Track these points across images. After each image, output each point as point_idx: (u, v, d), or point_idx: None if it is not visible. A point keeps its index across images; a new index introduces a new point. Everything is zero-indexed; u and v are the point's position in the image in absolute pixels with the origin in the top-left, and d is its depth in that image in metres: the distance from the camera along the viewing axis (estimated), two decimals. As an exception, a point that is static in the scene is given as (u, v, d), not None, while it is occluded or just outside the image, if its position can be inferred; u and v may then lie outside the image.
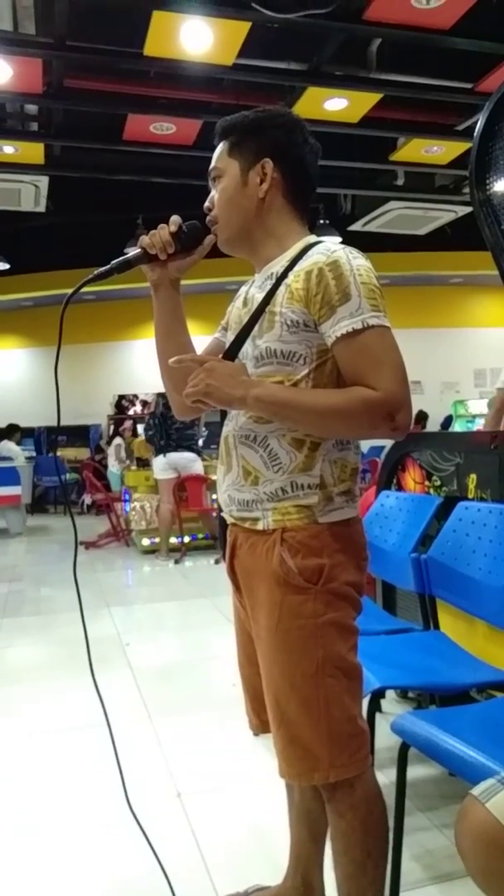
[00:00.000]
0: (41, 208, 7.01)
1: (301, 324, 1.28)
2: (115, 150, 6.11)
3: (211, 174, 1.41)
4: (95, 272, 1.33)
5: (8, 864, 1.88)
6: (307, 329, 1.27)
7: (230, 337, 1.44)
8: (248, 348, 1.36)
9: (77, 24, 4.42)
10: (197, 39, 4.43)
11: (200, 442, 6.88)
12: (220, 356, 1.40)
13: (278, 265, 1.35)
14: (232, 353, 1.38)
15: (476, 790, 0.97)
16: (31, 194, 6.69)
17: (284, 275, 1.32)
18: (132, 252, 1.37)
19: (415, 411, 9.38)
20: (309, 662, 1.27)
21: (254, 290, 1.41)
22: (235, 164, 1.37)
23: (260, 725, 1.49)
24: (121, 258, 1.35)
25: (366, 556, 1.38)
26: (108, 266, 1.34)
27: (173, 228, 1.36)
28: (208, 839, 1.95)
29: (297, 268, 1.30)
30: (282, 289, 1.31)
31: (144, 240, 1.37)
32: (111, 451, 8.68)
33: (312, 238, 1.38)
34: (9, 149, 5.85)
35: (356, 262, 1.26)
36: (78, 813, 2.13)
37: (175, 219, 1.38)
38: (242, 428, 1.34)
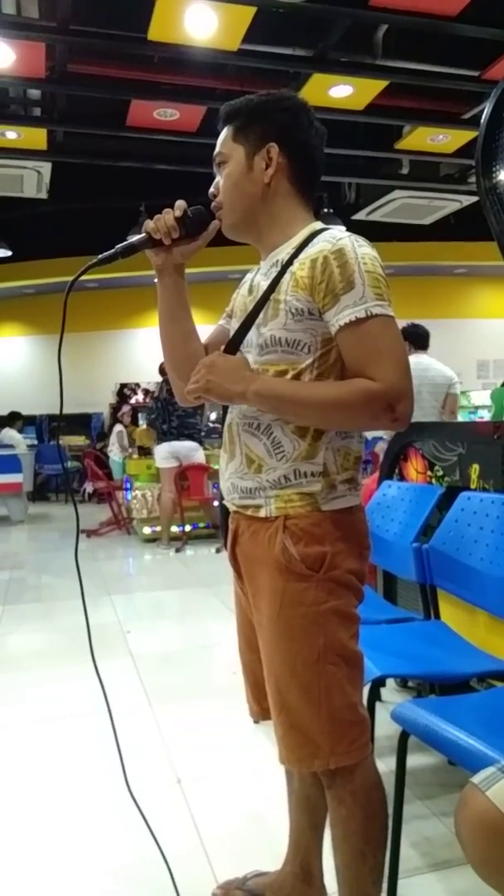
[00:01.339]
0: (43, 195, 6.98)
1: (306, 312, 1.27)
2: (119, 136, 6.07)
3: (216, 159, 1.40)
4: (99, 256, 1.32)
5: (9, 850, 1.89)
6: (312, 317, 1.27)
7: (234, 325, 1.43)
8: (252, 336, 1.35)
9: (81, 8, 4.39)
10: (201, 24, 4.39)
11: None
12: (223, 347, 1.40)
13: (283, 252, 1.34)
14: (235, 343, 1.38)
15: (476, 778, 0.97)
16: (33, 180, 6.65)
17: (290, 262, 1.31)
18: (136, 237, 1.36)
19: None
20: (310, 650, 1.27)
21: (259, 277, 1.40)
22: (240, 149, 1.36)
23: (260, 713, 1.49)
24: (125, 242, 1.34)
25: (368, 545, 1.38)
26: (111, 250, 1.33)
27: (178, 213, 1.35)
28: (208, 825, 1.96)
29: (302, 255, 1.29)
30: (286, 276, 1.30)
31: (149, 224, 1.36)
32: (113, 438, 8.66)
33: (318, 225, 1.37)
34: (11, 134, 5.81)
35: (361, 251, 1.25)
36: (78, 799, 2.14)
37: (180, 203, 1.36)
38: (246, 416, 1.34)
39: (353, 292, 1.22)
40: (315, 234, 1.32)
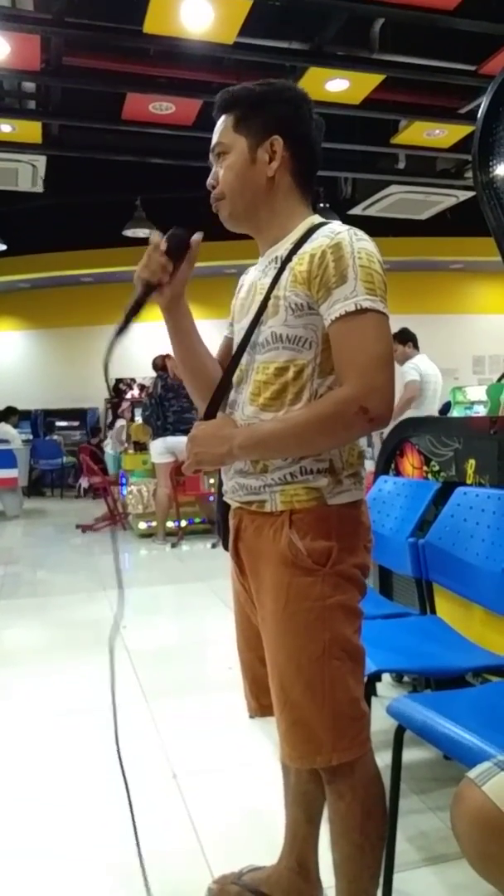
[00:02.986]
0: (39, 188, 6.94)
1: (305, 307, 1.26)
2: (114, 129, 6.04)
3: (214, 149, 1.37)
4: (116, 330, 1.30)
5: (3, 845, 1.89)
6: (311, 312, 1.26)
7: (236, 329, 1.43)
8: (253, 337, 1.34)
9: (76, 1, 4.36)
10: (197, 17, 4.37)
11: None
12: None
13: (282, 248, 1.33)
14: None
15: (472, 773, 0.97)
16: (28, 174, 6.61)
17: (289, 258, 1.30)
18: (137, 294, 1.32)
19: (412, 397, 8.98)
20: (315, 645, 1.27)
21: (257, 275, 1.39)
22: (243, 141, 1.33)
23: (259, 709, 1.49)
24: (130, 305, 1.31)
25: (371, 539, 1.37)
26: (124, 321, 1.31)
27: (164, 247, 1.32)
28: (204, 820, 1.96)
29: (301, 250, 1.28)
30: (286, 272, 1.29)
31: (142, 274, 1.32)
32: (112, 433, 8.64)
33: (317, 219, 1.35)
34: (6, 127, 5.78)
35: (359, 245, 1.24)
36: (73, 793, 2.13)
37: (154, 239, 1.33)
38: (249, 417, 1.33)
39: (345, 287, 1.21)
40: (314, 228, 1.31)
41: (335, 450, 1.29)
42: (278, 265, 1.31)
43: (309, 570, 1.27)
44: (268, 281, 1.33)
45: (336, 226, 1.29)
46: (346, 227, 1.28)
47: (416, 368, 5.20)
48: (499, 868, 0.94)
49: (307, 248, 1.27)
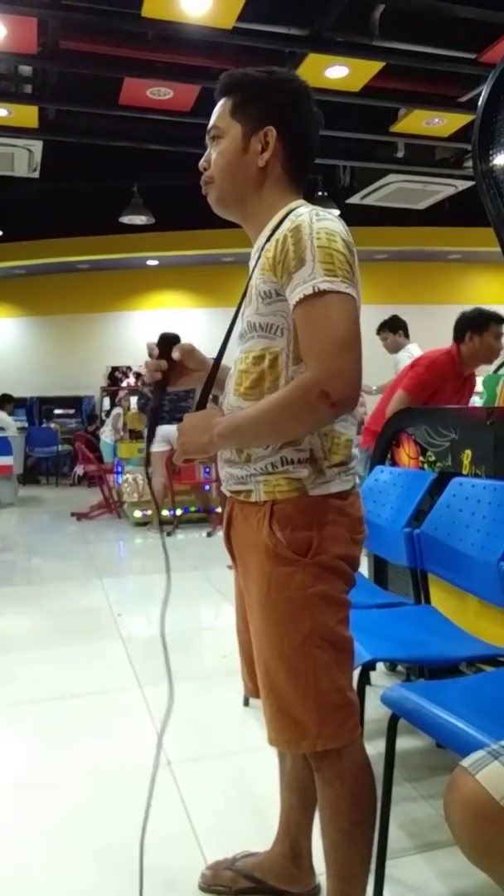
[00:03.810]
0: (35, 174, 6.88)
1: (273, 293, 1.25)
2: (111, 114, 5.98)
3: (210, 132, 1.37)
4: (146, 435, 1.44)
5: (-2, 829, 1.90)
6: (279, 299, 1.25)
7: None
8: (237, 328, 1.36)
9: (73, -17, 4.31)
10: (196, 1, 4.32)
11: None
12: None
13: (264, 237, 1.33)
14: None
15: (466, 762, 0.98)
16: (24, 159, 6.55)
17: (264, 246, 1.30)
18: (149, 399, 1.49)
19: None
20: (296, 633, 1.27)
21: (251, 263, 1.39)
22: (238, 127, 1.33)
23: (254, 690, 1.49)
24: (148, 413, 1.50)
25: (362, 530, 1.37)
26: (148, 427, 1.53)
27: (155, 353, 1.40)
28: (197, 806, 1.97)
29: (272, 236, 1.27)
30: (260, 260, 1.29)
31: (146, 379, 1.43)
32: (109, 420, 8.62)
33: (294, 204, 1.32)
34: (2, 111, 5.71)
35: (318, 225, 1.21)
36: (67, 779, 2.14)
37: (149, 345, 1.42)
38: (233, 406, 1.33)
39: (303, 269, 1.19)
40: (289, 213, 1.28)
41: (316, 439, 1.28)
42: (258, 253, 1.31)
43: (289, 560, 1.28)
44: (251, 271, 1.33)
45: (302, 208, 1.26)
46: (310, 207, 1.26)
47: (410, 357, 5.19)
48: (491, 855, 0.95)
49: (277, 233, 1.26)
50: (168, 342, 1.42)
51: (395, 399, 3.43)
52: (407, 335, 5.32)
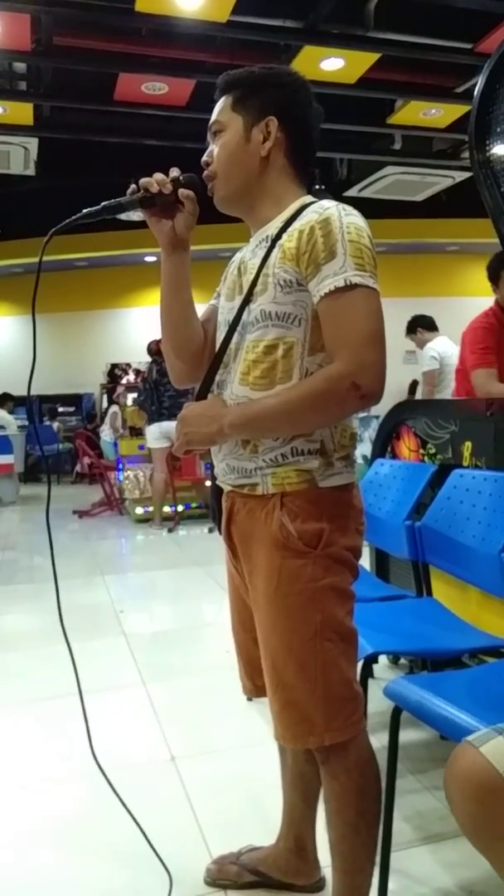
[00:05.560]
0: (31, 171, 6.86)
1: (294, 283, 1.25)
2: (106, 110, 5.96)
3: (211, 128, 1.38)
4: (84, 211, 1.30)
5: (2, 830, 1.90)
6: (301, 289, 1.25)
7: (223, 303, 1.42)
8: (244, 317, 1.33)
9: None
10: (190, -6, 4.31)
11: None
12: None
13: (273, 227, 1.33)
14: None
15: (471, 737, 0.96)
16: (20, 157, 6.54)
17: (279, 236, 1.29)
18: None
19: (408, 381, 9.13)
20: (307, 627, 1.27)
21: (248, 255, 1.38)
22: (239, 120, 1.34)
23: (254, 690, 1.50)
24: (114, 200, 1.32)
25: (363, 521, 1.37)
26: (99, 206, 1.31)
27: (174, 173, 1.34)
28: (202, 801, 1.97)
29: (291, 228, 1.28)
30: (276, 250, 1.28)
31: (143, 180, 1.33)
32: (107, 419, 8.62)
33: (309, 198, 1.35)
34: (-3, 109, 5.71)
35: (347, 220, 1.23)
36: (73, 775, 2.14)
37: (174, 170, 1.35)
38: (239, 396, 1.32)
39: (335, 262, 1.20)
40: (305, 206, 1.30)
41: (326, 431, 1.28)
42: (269, 244, 1.31)
43: (300, 553, 1.27)
44: (258, 261, 1.32)
45: (326, 202, 1.28)
46: (336, 202, 1.27)
47: (435, 353, 5.19)
48: (489, 830, 0.93)
49: (297, 224, 1.27)
50: (190, 183, 1.34)
51: (477, 380, 3.11)
52: (428, 328, 5.35)
